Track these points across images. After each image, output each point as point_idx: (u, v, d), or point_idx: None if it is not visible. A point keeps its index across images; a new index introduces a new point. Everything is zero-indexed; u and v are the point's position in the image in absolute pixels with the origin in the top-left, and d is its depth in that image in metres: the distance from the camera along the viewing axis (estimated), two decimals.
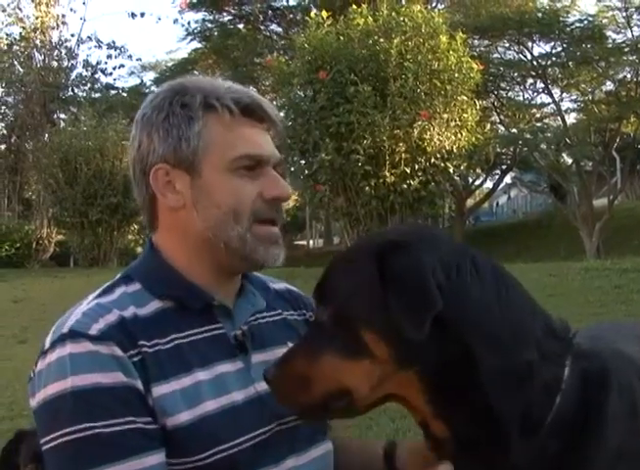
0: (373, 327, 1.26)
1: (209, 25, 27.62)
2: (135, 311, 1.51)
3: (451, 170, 12.73)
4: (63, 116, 26.80)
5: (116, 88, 29.53)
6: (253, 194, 1.55)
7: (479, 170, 22.74)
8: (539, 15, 21.01)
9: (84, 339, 1.42)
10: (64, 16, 27.01)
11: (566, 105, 24.08)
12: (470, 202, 29.19)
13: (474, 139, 12.88)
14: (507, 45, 23.06)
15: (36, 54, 26.40)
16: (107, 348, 1.42)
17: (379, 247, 1.30)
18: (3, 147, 27.29)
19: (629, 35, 21.32)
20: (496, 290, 1.29)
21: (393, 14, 12.40)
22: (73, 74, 27.75)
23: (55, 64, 27.00)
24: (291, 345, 1.65)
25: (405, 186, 11.87)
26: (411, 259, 1.25)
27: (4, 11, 26.33)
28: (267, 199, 1.57)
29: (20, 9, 26.43)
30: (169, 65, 30.98)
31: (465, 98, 12.59)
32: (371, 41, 12.09)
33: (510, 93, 25.35)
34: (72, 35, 27.84)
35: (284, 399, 1.40)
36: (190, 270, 1.58)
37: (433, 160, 12.13)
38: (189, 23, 27.16)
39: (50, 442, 1.39)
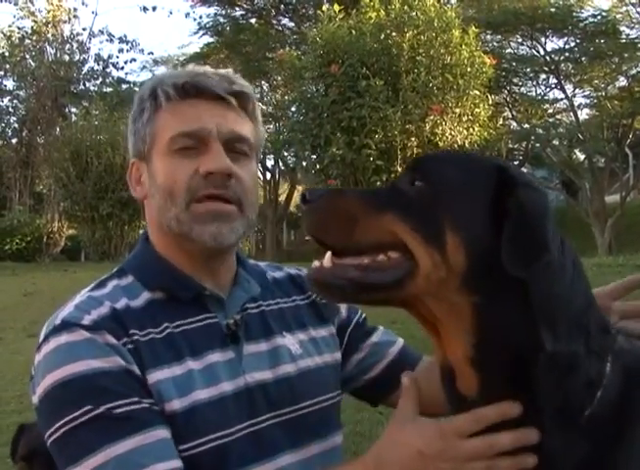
0: (462, 233, 1.20)
1: (222, 20, 27.55)
2: (127, 303, 1.51)
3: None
4: (74, 109, 26.93)
5: (128, 82, 29.48)
6: (189, 171, 1.52)
7: None
8: (552, 10, 20.90)
9: (78, 328, 1.42)
10: (75, 9, 27.16)
11: (578, 100, 24.05)
12: None
13: (486, 134, 12.85)
14: (520, 40, 22.95)
15: (48, 48, 26.51)
16: (101, 336, 1.42)
17: (507, 169, 1.26)
18: (15, 141, 27.36)
19: None
20: (572, 274, 1.26)
21: (406, 7, 12.36)
22: (85, 68, 27.88)
23: (66, 57, 27.08)
24: (286, 335, 1.66)
25: None
26: (542, 200, 1.22)
27: (16, 4, 26.41)
28: (202, 174, 1.52)
29: (31, 2, 26.54)
30: (181, 59, 30.88)
31: (477, 93, 12.54)
32: (383, 35, 12.06)
33: (522, 88, 25.25)
34: (84, 29, 27.94)
35: (315, 228, 1.27)
36: (177, 260, 1.58)
37: None
38: (201, 17, 27.09)
39: (55, 432, 1.37)
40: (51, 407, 1.40)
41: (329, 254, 1.26)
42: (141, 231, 22.49)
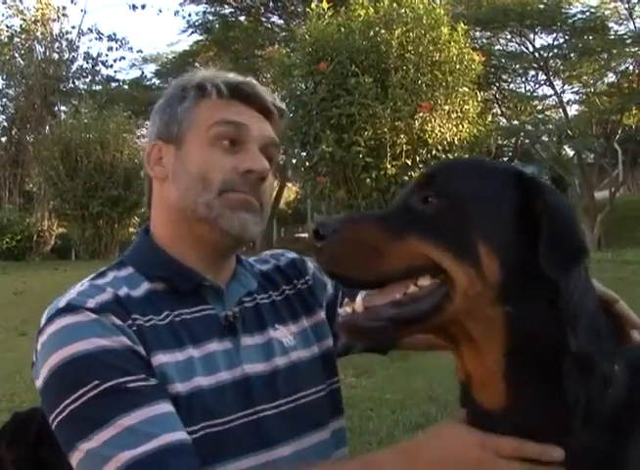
0: (494, 243, 1.18)
1: (211, 18, 27.50)
2: (128, 292, 1.52)
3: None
4: (63, 108, 26.87)
5: (117, 80, 29.53)
6: (227, 165, 1.56)
7: None
8: (541, 6, 20.90)
9: (84, 310, 1.43)
10: (64, 8, 27.20)
11: (567, 97, 23.99)
12: None
13: (475, 131, 12.83)
14: (509, 37, 22.96)
15: (37, 46, 26.43)
16: (106, 318, 1.43)
17: (525, 175, 1.25)
18: (4, 139, 27.29)
19: (631, 27, 21.27)
20: (586, 278, 1.27)
21: (395, 5, 12.32)
22: (74, 67, 27.82)
23: (56, 56, 27.01)
24: (279, 327, 1.68)
25: (406, 178, 11.80)
26: (567, 204, 1.23)
27: (4, 3, 26.33)
28: (240, 171, 1.56)
29: (20, 1, 26.44)
30: (170, 57, 30.88)
31: (466, 89, 12.53)
32: (372, 32, 12.03)
33: (512, 85, 25.29)
34: (73, 27, 28.06)
35: (336, 266, 1.21)
36: (180, 252, 1.60)
37: (434, 151, 12.07)
38: (190, 14, 27.16)
39: (62, 411, 1.38)
40: (57, 386, 1.40)
41: (359, 298, 1.22)
42: (131, 229, 22.46)
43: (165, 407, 1.40)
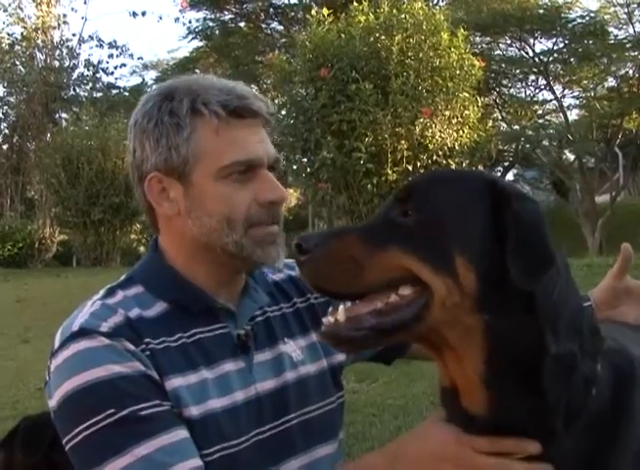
0: (470, 254, 1.20)
1: (211, 24, 27.51)
2: (140, 312, 1.52)
3: (453, 168, 12.68)
4: (65, 115, 26.85)
5: (118, 87, 29.52)
6: (247, 199, 1.55)
7: (481, 167, 22.68)
8: (541, 11, 20.94)
9: (97, 334, 1.44)
10: (65, 15, 27.03)
11: (568, 101, 23.97)
12: None
13: (476, 136, 12.83)
14: (509, 42, 22.98)
15: (38, 54, 26.41)
16: (119, 343, 1.45)
17: (497, 183, 1.27)
18: (5, 147, 27.25)
19: (631, 31, 21.30)
20: (566, 279, 1.28)
21: (395, 11, 12.33)
22: (75, 74, 27.76)
23: (56, 63, 26.98)
24: (288, 341, 1.67)
25: None
26: (537, 211, 1.24)
27: (5, 11, 26.34)
28: (262, 203, 1.56)
29: (21, 9, 26.44)
30: (171, 63, 30.91)
31: (467, 95, 12.53)
32: (372, 38, 12.04)
33: (512, 90, 25.31)
34: (74, 35, 27.77)
35: (318, 279, 1.25)
36: (191, 273, 1.59)
37: (435, 157, 12.08)
38: (190, 21, 26.98)
39: (76, 436, 1.40)
40: (72, 412, 1.42)
41: (341, 307, 1.25)
42: (132, 236, 22.47)
43: (180, 434, 1.41)
